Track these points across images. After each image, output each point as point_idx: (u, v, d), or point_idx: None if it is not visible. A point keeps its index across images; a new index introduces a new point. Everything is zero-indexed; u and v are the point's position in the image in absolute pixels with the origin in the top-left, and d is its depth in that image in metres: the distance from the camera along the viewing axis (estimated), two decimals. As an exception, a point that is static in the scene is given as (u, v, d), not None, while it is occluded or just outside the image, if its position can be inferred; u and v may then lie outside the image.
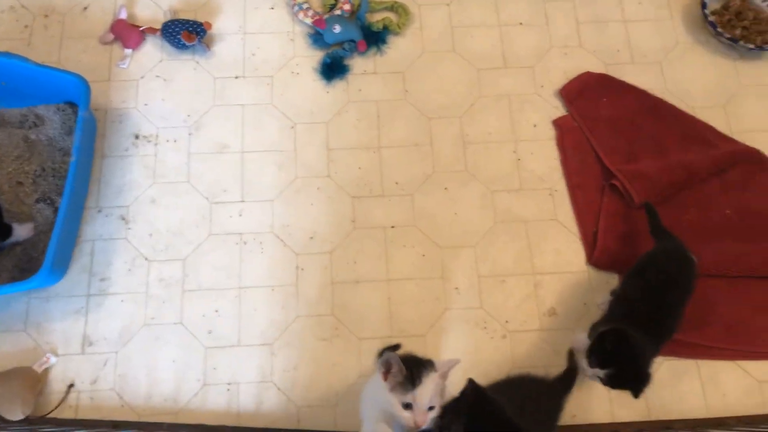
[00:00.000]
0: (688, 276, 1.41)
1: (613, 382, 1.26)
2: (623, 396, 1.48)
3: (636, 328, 1.29)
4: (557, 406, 1.37)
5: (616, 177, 1.64)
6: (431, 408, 1.04)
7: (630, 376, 1.25)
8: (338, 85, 1.79)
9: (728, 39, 1.80)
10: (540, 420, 1.29)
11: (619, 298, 1.47)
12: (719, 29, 1.80)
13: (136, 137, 1.71)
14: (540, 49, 1.86)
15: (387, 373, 1.08)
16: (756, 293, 1.56)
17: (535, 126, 1.77)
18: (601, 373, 1.26)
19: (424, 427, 1.02)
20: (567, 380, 1.45)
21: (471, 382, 1.10)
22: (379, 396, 1.07)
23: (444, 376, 1.07)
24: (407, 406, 1.03)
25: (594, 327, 1.42)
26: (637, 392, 1.24)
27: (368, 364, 1.50)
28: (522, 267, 1.62)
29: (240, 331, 1.54)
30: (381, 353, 1.28)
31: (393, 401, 1.03)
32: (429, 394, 1.02)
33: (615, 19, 1.90)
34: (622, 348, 1.24)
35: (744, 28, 1.82)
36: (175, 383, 1.49)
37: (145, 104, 1.75)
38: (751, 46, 1.79)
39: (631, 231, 1.61)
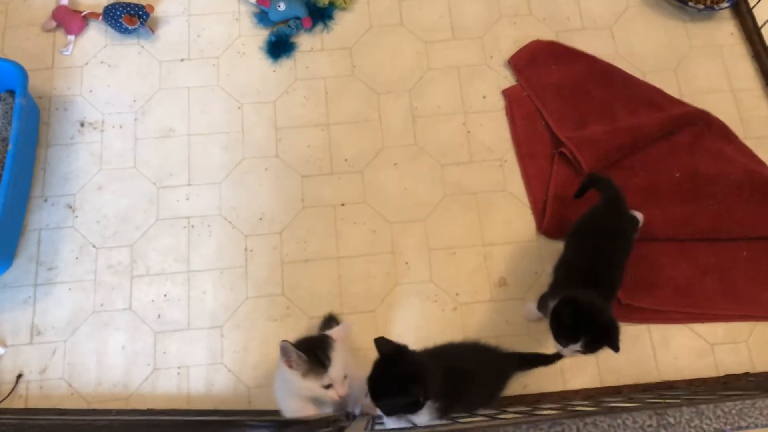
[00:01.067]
0: (623, 230, 1.40)
1: (591, 348, 1.22)
2: (575, 363, 1.51)
3: (582, 288, 1.29)
4: (502, 378, 1.37)
5: (565, 145, 1.63)
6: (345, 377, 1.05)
7: (602, 336, 1.22)
8: (285, 64, 1.77)
9: (678, 1, 1.77)
10: (481, 385, 1.29)
11: (560, 263, 1.46)
12: (669, -9, 1.78)
13: (82, 124, 1.69)
14: (489, 19, 1.83)
15: (290, 361, 1.08)
16: (704, 256, 1.55)
17: (484, 97, 1.75)
18: (577, 346, 1.23)
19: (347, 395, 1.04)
20: (528, 361, 1.44)
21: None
22: (295, 385, 1.07)
23: (344, 342, 1.09)
24: (327, 386, 1.04)
25: (542, 298, 1.41)
26: (615, 346, 1.21)
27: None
28: (472, 239, 1.61)
29: (189, 314, 1.54)
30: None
31: (311, 386, 1.05)
32: (341, 368, 1.04)
33: (564, -14, 1.87)
34: (581, 315, 1.21)
35: (693, -11, 1.80)
36: (125, 369, 1.49)
37: (90, 91, 1.73)
38: (701, 6, 1.77)
39: (581, 198, 1.60)
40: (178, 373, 1.49)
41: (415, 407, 1.04)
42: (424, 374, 1.05)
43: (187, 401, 1.47)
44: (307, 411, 1.08)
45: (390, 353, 1.05)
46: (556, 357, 1.44)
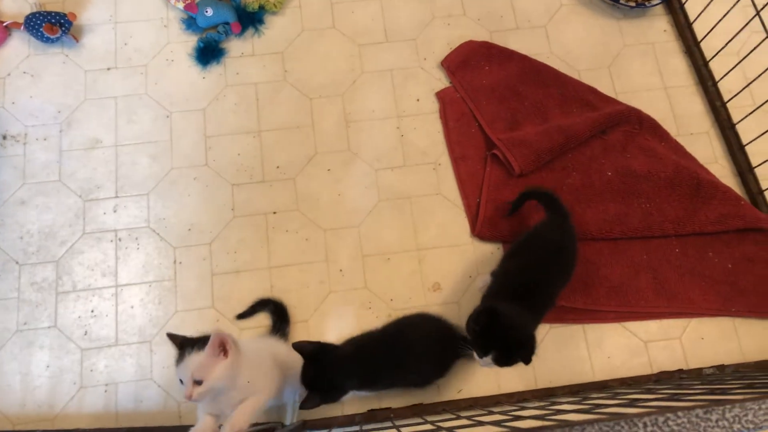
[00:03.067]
0: (567, 246, 1.39)
1: (502, 361, 1.20)
2: (509, 367, 1.50)
3: (512, 303, 1.27)
4: (451, 353, 1.41)
5: (497, 146, 1.61)
6: (199, 382, 1.02)
7: (514, 349, 1.20)
8: (214, 70, 1.73)
9: (609, -1, 1.77)
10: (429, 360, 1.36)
11: (499, 271, 1.45)
12: (601, -11, 1.78)
13: (4, 137, 1.64)
14: (422, 20, 1.81)
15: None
16: (636, 254, 1.55)
17: (418, 100, 1.73)
18: (489, 359, 1.21)
19: (194, 399, 1.01)
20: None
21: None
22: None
23: (214, 350, 1.04)
24: (182, 381, 1.03)
25: (473, 313, 1.40)
26: (526, 360, 1.19)
27: (250, 353, 1.48)
28: (406, 243, 1.60)
29: (117, 330, 1.50)
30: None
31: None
32: (190, 370, 1.01)
33: (499, -15, 1.86)
34: (494, 326, 1.19)
35: (625, -14, 1.79)
36: (51, 388, 1.45)
37: (13, 102, 1.68)
38: (632, 4, 1.77)
39: (513, 200, 1.59)
40: (106, 391, 1.46)
41: (340, 395, 1.24)
42: (344, 366, 1.20)
43: (116, 419, 1.44)
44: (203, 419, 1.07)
45: (310, 353, 1.19)
46: None
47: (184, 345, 1.05)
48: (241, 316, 1.51)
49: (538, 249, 1.38)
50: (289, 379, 1.28)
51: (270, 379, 1.19)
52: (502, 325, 1.18)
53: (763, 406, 0.56)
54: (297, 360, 1.25)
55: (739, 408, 0.54)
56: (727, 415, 0.53)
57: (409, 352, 1.33)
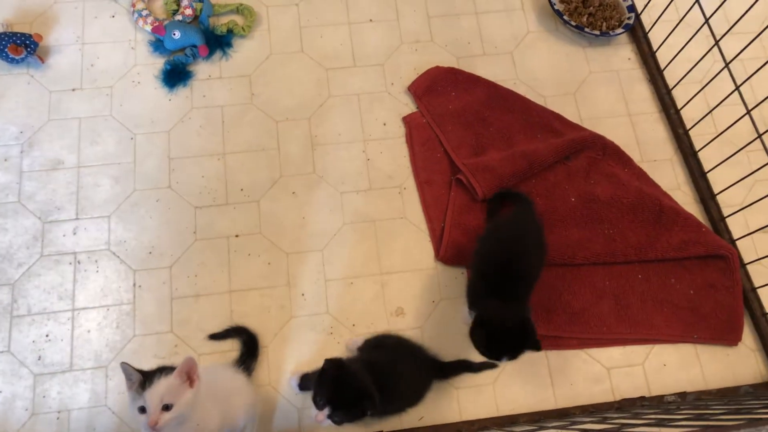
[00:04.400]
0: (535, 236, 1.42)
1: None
2: (471, 393, 1.48)
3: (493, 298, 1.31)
4: (426, 382, 1.41)
5: (461, 171, 1.62)
6: (168, 407, 1.00)
7: (519, 348, 1.24)
8: (181, 92, 1.73)
9: (574, 27, 1.80)
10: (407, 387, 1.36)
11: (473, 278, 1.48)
12: (566, 17, 1.80)
13: (-36, 158, 1.63)
14: (390, 46, 1.83)
15: (131, 382, 1.05)
16: (599, 280, 1.55)
17: (385, 124, 1.73)
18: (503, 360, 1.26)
19: (159, 426, 0.99)
20: (452, 368, 1.48)
21: (328, 362, 1.17)
22: (130, 411, 1.04)
23: (182, 376, 1.04)
24: (142, 410, 1.00)
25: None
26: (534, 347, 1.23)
27: (208, 379, 1.45)
28: (370, 268, 1.59)
29: (72, 355, 1.47)
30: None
31: (132, 410, 1.02)
32: (159, 395, 0.99)
33: (466, 12, 1.88)
34: (498, 336, 1.24)
35: (590, 14, 1.82)
36: (1, 415, 1.41)
37: (-25, 123, 1.67)
38: (597, 32, 1.80)
39: (478, 225, 1.59)
40: (58, 418, 1.42)
41: (362, 416, 1.17)
42: (369, 387, 1.17)
43: (67, 448, 1.40)
44: None
45: (336, 369, 1.17)
46: (486, 365, 1.48)
47: (147, 374, 1.03)
48: (214, 336, 1.48)
49: (501, 239, 1.42)
50: (236, 414, 1.26)
51: (219, 413, 1.17)
52: (504, 333, 1.24)
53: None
54: (248, 396, 1.28)
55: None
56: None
57: (403, 376, 1.33)
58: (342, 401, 1.14)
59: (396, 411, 1.39)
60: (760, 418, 0.73)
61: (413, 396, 1.37)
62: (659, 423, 0.94)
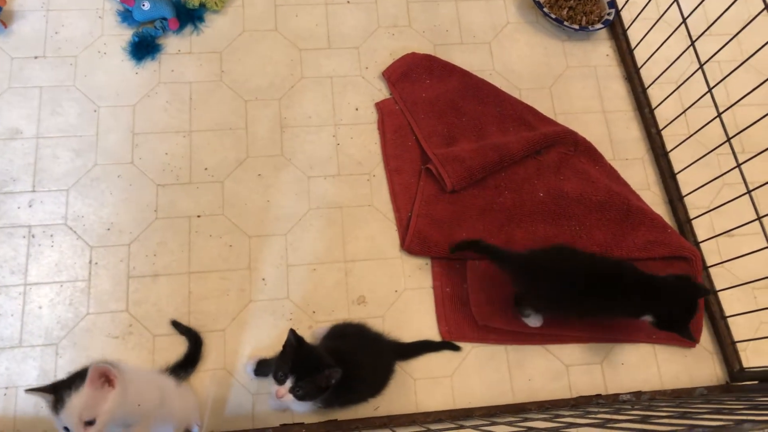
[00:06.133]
0: None
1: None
2: (428, 385, 1.47)
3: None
4: (388, 368, 1.41)
5: (432, 161, 1.60)
6: (91, 422, 0.94)
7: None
8: (149, 66, 1.68)
9: (554, 20, 1.77)
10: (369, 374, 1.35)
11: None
12: (546, 9, 1.78)
13: None
14: (367, 29, 1.79)
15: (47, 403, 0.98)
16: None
17: (357, 109, 1.70)
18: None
19: None
20: (412, 349, 1.49)
21: (293, 332, 1.15)
22: None
23: (96, 384, 0.96)
24: (67, 429, 0.94)
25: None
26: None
27: (162, 360, 1.42)
28: (334, 254, 1.56)
29: (22, 331, 1.43)
30: None
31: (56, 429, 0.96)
32: (77, 413, 0.93)
33: (446, -2, 1.85)
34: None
35: (570, 8, 1.80)
36: (-56, 389, 1.38)
37: (-70, 86, 1.61)
38: (576, 26, 1.78)
39: (445, 215, 1.57)
40: (5, 395, 1.38)
41: (326, 389, 1.16)
42: (331, 360, 1.16)
43: (14, 425, 1.37)
44: None
45: (298, 343, 1.15)
46: (446, 345, 1.49)
47: (58, 389, 0.96)
48: (176, 325, 1.45)
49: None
50: (170, 417, 1.23)
51: (156, 404, 1.13)
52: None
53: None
54: (181, 399, 1.27)
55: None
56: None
57: (366, 364, 1.32)
58: (306, 370, 1.12)
59: (358, 400, 1.38)
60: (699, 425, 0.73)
61: (375, 385, 1.36)
62: (603, 424, 0.93)
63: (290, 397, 1.15)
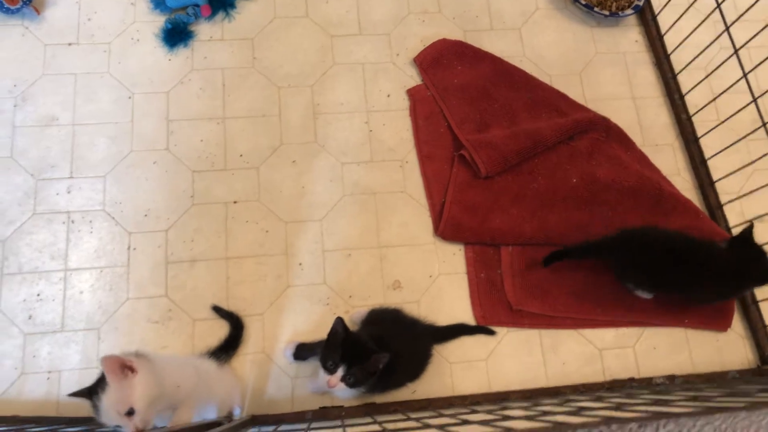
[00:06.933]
0: None
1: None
2: (464, 369, 1.49)
3: None
4: (426, 352, 1.42)
5: (465, 147, 1.60)
6: (131, 412, 0.96)
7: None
8: (181, 53, 1.68)
9: (584, 5, 1.77)
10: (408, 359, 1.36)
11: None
12: (576, -5, 1.78)
13: (-46, 109, 1.58)
14: (397, 15, 1.79)
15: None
16: (596, 262, 1.56)
17: (388, 96, 1.71)
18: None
19: (141, 429, 0.96)
20: (448, 333, 1.51)
21: (339, 321, 1.18)
22: None
23: (117, 375, 0.97)
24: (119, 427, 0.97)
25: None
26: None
27: (202, 345, 1.44)
28: (368, 240, 1.58)
29: (64, 315, 1.45)
30: None
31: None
32: (114, 408, 0.95)
33: (476, -15, 1.85)
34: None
35: (601, -6, 1.80)
36: (-10, 373, 1.40)
37: (-34, 73, 1.61)
38: (606, 12, 1.77)
39: (478, 201, 1.58)
40: (48, 378, 1.41)
41: (375, 374, 1.18)
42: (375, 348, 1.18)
43: (57, 408, 1.39)
44: None
45: (345, 332, 1.18)
46: (481, 329, 1.51)
47: (93, 393, 0.98)
48: (217, 309, 1.47)
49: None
50: (212, 398, 1.25)
51: (197, 385, 1.16)
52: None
53: (698, 423, 0.56)
54: (221, 382, 1.30)
55: (674, 424, 0.54)
56: (661, 430, 0.53)
57: (405, 350, 1.33)
58: (356, 358, 1.14)
59: (398, 385, 1.40)
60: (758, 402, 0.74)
61: (415, 370, 1.38)
62: (654, 402, 0.95)
63: (342, 385, 1.17)
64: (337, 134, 1.66)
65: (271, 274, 1.52)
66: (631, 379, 1.51)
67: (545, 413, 1.03)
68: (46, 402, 1.39)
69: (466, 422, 1.00)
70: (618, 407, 0.94)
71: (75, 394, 1.02)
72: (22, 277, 1.47)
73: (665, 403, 0.98)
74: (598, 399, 1.24)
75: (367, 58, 1.74)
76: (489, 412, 1.19)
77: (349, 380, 1.17)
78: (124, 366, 0.99)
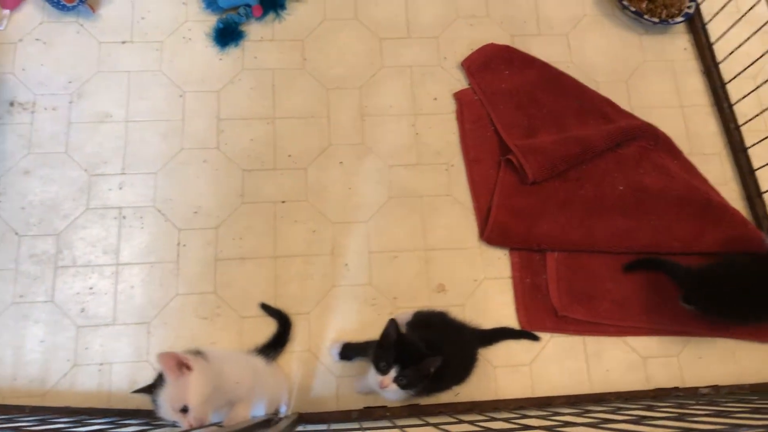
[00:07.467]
0: None
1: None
2: (508, 373, 1.50)
3: None
4: (473, 360, 1.42)
5: (513, 152, 1.61)
6: (186, 409, 0.98)
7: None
8: (232, 52, 1.70)
9: (633, 13, 1.77)
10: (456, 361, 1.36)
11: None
12: (625, 2, 1.77)
13: (11, 104, 1.61)
14: (446, 19, 1.80)
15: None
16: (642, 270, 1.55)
17: (435, 99, 1.71)
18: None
19: (195, 426, 0.98)
20: (494, 336, 1.51)
21: (392, 323, 1.18)
22: None
23: (174, 373, 0.99)
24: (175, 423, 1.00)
25: None
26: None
27: (249, 342, 1.46)
28: (414, 243, 1.58)
29: (115, 309, 1.47)
30: None
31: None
32: (169, 404, 0.98)
33: (523, -10, 1.85)
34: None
35: (650, 1, 1.79)
36: (43, 364, 1.42)
37: (23, 69, 1.64)
38: (656, 20, 1.77)
39: (525, 207, 1.58)
40: (100, 370, 1.43)
41: (427, 377, 1.19)
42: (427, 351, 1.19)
43: (108, 399, 1.41)
44: None
45: (398, 334, 1.18)
46: (526, 334, 1.52)
47: (154, 388, 1.01)
48: (265, 307, 1.49)
49: None
50: (263, 394, 1.26)
51: (254, 381, 1.18)
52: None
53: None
54: (272, 379, 1.31)
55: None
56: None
57: (453, 354, 1.33)
58: (409, 360, 1.15)
59: (444, 388, 1.40)
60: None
61: (461, 374, 1.39)
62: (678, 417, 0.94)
63: (394, 386, 1.18)
64: (384, 136, 1.67)
65: (318, 273, 1.54)
66: (676, 389, 1.50)
67: (605, 421, 1.03)
68: (98, 393, 1.41)
69: (526, 427, 1.00)
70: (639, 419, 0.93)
71: (138, 391, 1.06)
72: (75, 270, 1.49)
73: (727, 415, 0.98)
74: (650, 408, 1.24)
75: (415, 61, 1.74)
76: (543, 418, 1.20)
77: (401, 381, 1.18)
78: (180, 363, 1.01)
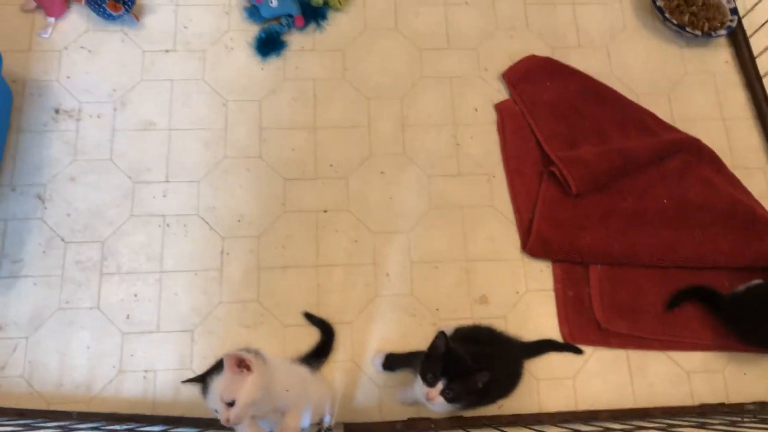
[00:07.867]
0: None
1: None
2: (551, 386, 1.49)
3: None
4: (519, 374, 1.41)
5: (555, 163, 1.60)
6: (231, 403, 1.00)
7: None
8: (274, 62, 1.71)
9: (675, 26, 1.76)
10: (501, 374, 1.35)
11: None
12: (667, 15, 1.76)
13: (57, 111, 1.62)
14: (485, 30, 1.80)
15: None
16: (686, 284, 1.54)
17: (476, 110, 1.72)
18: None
19: (232, 422, 1.00)
20: (536, 348, 1.51)
21: (442, 335, 1.17)
22: None
23: (234, 370, 1.01)
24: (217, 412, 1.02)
25: None
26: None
27: (292, 350, 1.46)
28: (455, 253, 1.58)
29: (159, 316, 1.48)
30: None
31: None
32: (218, 394, 1.00)
33: (563, 1, 1.84)
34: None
35: (692, 14, 1.78)
36: (89, 370, 1.43)
37: (68, 77, 1.66)
38: (698, 33, 1.76)
39: (567, 219, 1.58)
40: (145, 377, 1.44)
41: (474, 391, 1.17)
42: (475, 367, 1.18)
43: (153, 406, 1.42)
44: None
45: (447, 347, 1.17)
46: (569, 347, 1.51)
47: (206, 377, 1.04)
48: (308, 316, 1.49)
49: None
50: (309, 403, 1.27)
51: (303, 390, 1.18)
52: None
53: None
54: (317, 388, 1.31)
55: None
56: None
57: (499, 369, 1.33)
58: (457, 374, 1.14)
59: (489, 402, 1.39)
60: None
61: (507, 388, 1.38)
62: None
63: (440, 399, 1.18)
64: (425, 147, 1.67)
65: (360, 283, 1.54)
66: (722, 404, 1.49)
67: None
68: (143, 400, 1.42)
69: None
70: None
71: (190, 380, 1.08)
72: (120, 277, 1.50)
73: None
74: (701, 426, 1.23)
75: (455, 71, 1.75)
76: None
77: (448, 394, 1.17)
78: (243, 363, 1.03)
